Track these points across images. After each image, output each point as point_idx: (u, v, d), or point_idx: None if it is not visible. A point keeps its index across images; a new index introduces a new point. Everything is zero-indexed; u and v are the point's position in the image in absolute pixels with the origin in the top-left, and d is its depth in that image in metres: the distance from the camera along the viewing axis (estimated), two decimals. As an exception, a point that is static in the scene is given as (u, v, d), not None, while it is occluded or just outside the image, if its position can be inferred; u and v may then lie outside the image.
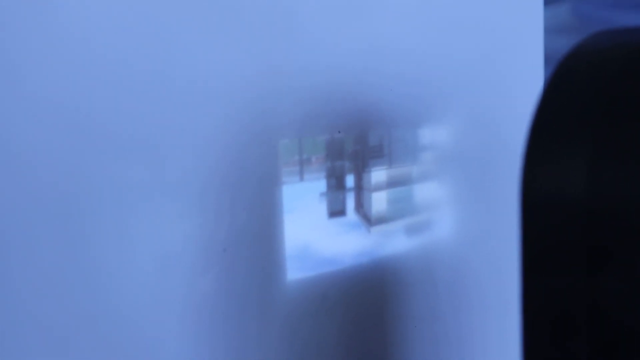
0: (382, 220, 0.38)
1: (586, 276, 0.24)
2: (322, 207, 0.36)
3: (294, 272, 0.35)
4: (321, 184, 0.36)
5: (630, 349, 0.23)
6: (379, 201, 0.38)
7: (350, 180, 0.37)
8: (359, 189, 0.37)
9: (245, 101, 0.33)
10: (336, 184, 0.36)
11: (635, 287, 0.23)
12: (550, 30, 0.84)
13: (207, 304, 0.33)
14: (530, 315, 0.26)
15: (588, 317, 0.24)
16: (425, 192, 0.40)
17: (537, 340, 0.26)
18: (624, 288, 0.23)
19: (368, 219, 0.38)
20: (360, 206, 0.37)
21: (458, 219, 0.42)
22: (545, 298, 0.25)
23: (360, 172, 0.37)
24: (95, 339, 0.30)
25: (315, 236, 0.36)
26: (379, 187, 0.38)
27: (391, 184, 0.38)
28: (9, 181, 0.28)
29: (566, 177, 0.25)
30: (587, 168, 0.24)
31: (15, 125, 0.28)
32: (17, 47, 0.28)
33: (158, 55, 0.31)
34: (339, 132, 0.36)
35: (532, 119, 0.26)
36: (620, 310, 0.23)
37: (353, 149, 0.37)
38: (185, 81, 0.32)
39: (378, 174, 0.38)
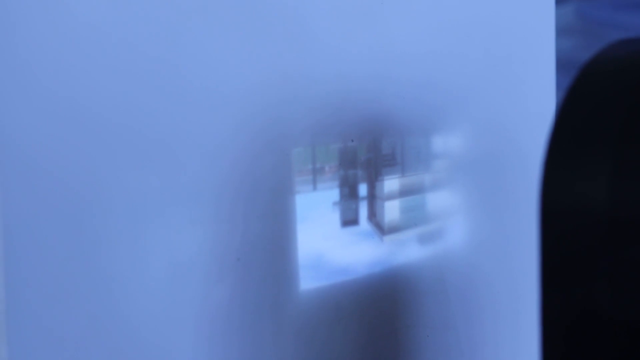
0: (395, 229, 0.38)
1: (607, 285, 0.24)
2: (335, 217, 0.36)
3: (307, 282, 0.35)
4: (334, 193, 0.36)
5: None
6: (391, 210, 0.38)
7: (363, 189, 0.37)
8: (372, 197, 0.37)
9: (258, 109, 0.33)
10: (349, 193, 0.36)
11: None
12: (558, 33, 0.84)
13: (221, 313, 0.33)
14: (549, 325, 0.26)
15: (609, 327, 0.24)
16: (438, 200, 0.40)
17: (557, 350, 0.25)
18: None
19: (381, 228, 0.37)
20: (373, 215, 0.37)
21: (470, 227, 0.41)
22: (566, 307, 0.25)
23: (373, 180, 0.37)
24: (108, 348, 0.30)
25: (329, 245, 0.36)
26: (391, 196, 0.38)
27: (404, 192, 0.38)
28: (22, 188, 0.28)
29: (587, 186, 0.25)
30: (608, 177, 0.24)
31: (29, 133, 0.28)
32: (33, 51, 0.28)
33: (172, 64, 0.31)
34: (352, 140, 0.36)
35: (553, 127, 0.26)
36: (639, 315, 0.23)
37: (366, 157, 0.37)
38: (198, 90, 0.32)
39: (391, 183, 0.38)
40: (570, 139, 0.25)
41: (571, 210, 0.25)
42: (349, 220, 0.36)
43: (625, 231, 0.23)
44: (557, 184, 0.25)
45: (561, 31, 0.84)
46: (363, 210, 0.37)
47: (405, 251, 0.39)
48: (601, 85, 0.26)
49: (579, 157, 0.25)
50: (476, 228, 0.42)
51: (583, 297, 0.24)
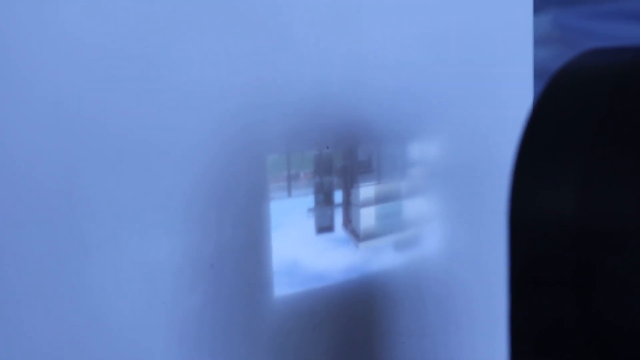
0: (370, 235, 0.38)
1: (574, 295, 0.24)
2: (310, 223, 0.36)
3: (282, 288, 0.35)
4: (309, 200, 0.36)
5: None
6: (367, 217, 0.38)
7: (338, 196, 0.37)
8: (347, 204, 0.37)
9: (233, 115, 0.33)
10: (324, 200, 0.36)
11: (624, 305, 0.23)
12: (536, 42, 0.84)
13: (195, 319, 0.33)
14: (517, 331, 0.26)
15: (575, 332, 0.24)
16: (414, 207, 0.40)
17: (524, 356, 0.25)
18: (612, 306, 0.23)
19: (356, 235, 0.37)
20: (348, 222, 0.37)
21: (446, 234, 0.41)
22: (533, 313, 0.25)
23: (348, 187, 0.37)
24: (82, 354, 0.30)
25: (303, 252, 0.36)
26: (367, 203, 0.38)
27: (379, 199, 0.38)
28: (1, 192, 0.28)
29: (556, 195, 0.25)
30: (577, 186, 0.24)
31: (8, 137, 0.28)
32: (17, 54, 0.28)
33: (145, 69, 0.31)
34: (328, 147, 0.36)
35: (522, 136, 0.26)
36: (607, 324, 0.23)
37: (341, 164, 0.37)
38: (171, 94, 0.31)
39: (366, 190, 0.38)
40: (539, 147, 0.26)
41: (539, 219, 0.25)
42: (324, 227, 0.36)
43: (592, 240, 0.23)
44: (526, 193, 0.25)
45: (538, 40, 0.85)
46: (338, 217, 0.37)
47: (381, 258, 0.39)
48: (572, 94, 0.26)
49: (547, 165, 0.25)
50: (452, 235, 0.42)
51: (551, 306, 0.25)
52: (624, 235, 0.23)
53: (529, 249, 0.25)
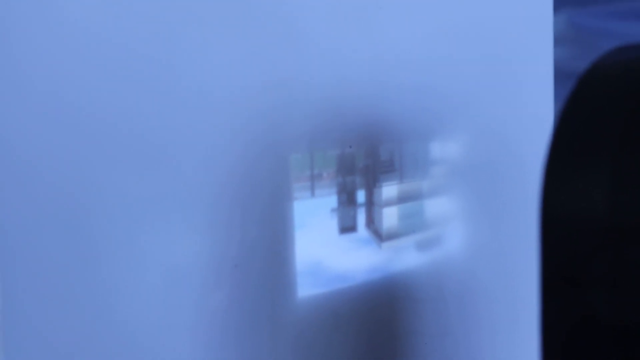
0: (393, 235, 0.38)
1: (607, 294, 0.24)
2: (333, 223, 0.36)
3: (305, 289, 0.35)
4: (332, 200, 0.36)
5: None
6: (389, 217, 0.38)
7: (361, 196, 0.37)
8: (370, 204, 0.37)
9: (256, 115, 0.33)
10: (347, 200, 0.36)
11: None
12: (556, 41, 0.84)
13: (218, 320, 0.32)
14: (549, 331, 0.26)
15: (608, 332, 0.24)
16: (436, 206, 0.40)
17: (556, 356, 0.25)
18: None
19: (379, 235, 0.37)
20: (371, 222, 0.37)
21: (468, 234, 0.41)
22: (566, 312, 0.25)
23: (371, 187, 0.37)
24: (104, 354, 0.30)
25: (327, 252, 0.35)
26: (389, 203, 0.38)
27: (402, 199, 0.38)
28: (18, 192, 0.28)
29: (587, 192, 0.25)
30: (608, 184, 0.24)
31: (26, 137, 0.28)
32: (30, 54, 0.28)
33: (169, 69, 0.31)
34: (350, 146, 0.36)
35: (553, 134, 0.26)
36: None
37: (364, 163, 0.37)
38: (196, 94, 0.31)
39: (389, 189, 0.38)
40: (570, 146, 0.25)
41: (571, 217, 0.25)
42: (347, 227, 0.36)
43: (624, 237, 0.23)
44: (557, 191, 0.25)
45: (554, 40, 0.85)
46: (361, 217, 0.37)
47: (403, 258, 0.38)
48: (600, 93, 0.26)
49: (578, 164, 0.25)
50: (474, 235, 0.42)
51: (582, 303, 0.24)
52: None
53: (561, 248, 0.25)
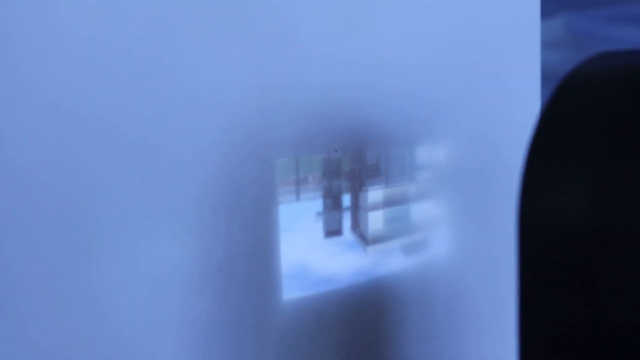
0: (378, 239, 0.38)
1: (585, 298, 0.24)
2: (319, 227, 0.36)
3: (291, 292, 0.35)
4: (317, 204, 0.36)
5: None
6: (375, 220, 0.38)
7: (346, 200, 0.37)
8: (356, 208, 0.37)
9: (242, 119, 0.33)
10: (333, 204, 0.36)
11: (635, 309, 0.23)
12: (544, 45, 0.84)
13: (203, 324, 0.33)
14: (528, 335, 0.26)
15: (587, 334, 0.24)
16: (422, 211, 0.40)
17: (535, 358, 0.25)
18: (624, 310, 0.23)
19: (364, 239, 0.38)
20: (356, 225, 0.37)
21: (455, 238, 0.41)
22: (544, 320, 0.25)
23: (357, 191, 0.37)
24: (90, 355, 0.30)
25: (312, 256, 0.36)
26: (375, 207, 0.38)
27: (388, 203, 0.38)
28: (7, 193, 0.28)
29: (566, 197, 0.25)
30: (587, 188, 0.24)
31: (15, 138, 0.28)
32: (20, 54, 0.28)
33: (155, 71, 0.31)
34: (336, 151, 0.36)
35: (532, 139, 0.26)
36: (620, 332, 0.23)
37: (350, 168, 0.37)
38: (182, 98, 0.32)
39: (375, 193, 0.38)
40: (550, 149, 0.26)
41: (550, 221, 0.25)
42: (333, 231, 0.36)
43: (603, 243, 0.23)
44: (536, 195, 0.25)
45: (551, 44, 0.85)
46: (347, 221, 0.37)
47: (389, 261, 0.39)
48: (582, 97, 0.26)
49: (557, 168, 0.25)
50: (460, 239, 0.42)
51: (562, 309, 0.25)
52: (634, 237, 0.23)
53: (539, 251, 0.25)
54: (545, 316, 0.25)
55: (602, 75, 0.26)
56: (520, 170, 0.40)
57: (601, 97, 0.25)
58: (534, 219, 0.25)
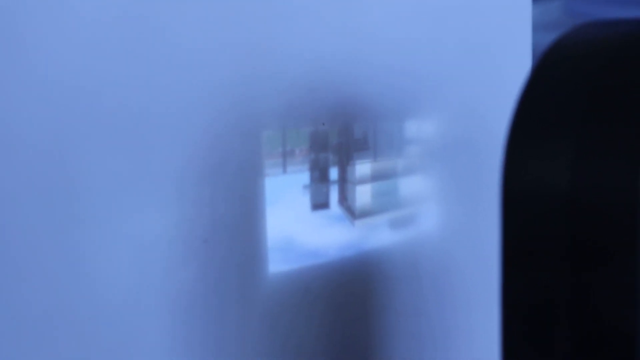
0: (366, 213, 0.38)
1: (568, 269, 0.24)
2: (306, 200, 0.36)
3: (276, 265, 0.35)
4: (304, 177, 0.36)
5: (610, 343, 0.23)
6: (363, 194, 0.38)
7: (334, 173, 0.37)
8: (343, 181, 0.37)
9: (228, 91, 0.33)
10: (320, 177, 0.36)
11: (617, 280, 0.23)
12: (542, 27, 0.84)
13: (187, 296, 0.33)
14: (510, 309, 0.26)
15: (569, 311, 0.24)
16: (411, 185, 0.40)
17: (517, 334, 0.25)
18: (606, 281, 0.23)
19: (352, 212, 0.37)
20: (344, 199, 0.37)
21: (443, 212, 0.41)
22: (526, 291, 0.25)
23: (344, 164, 0.37)
24: (72, 329, 0.30)
25: (299, 229, 0.36)
26: (363, 180, 0.38)
27: (376, 177, 0.38)
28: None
29: (549, 170, 0.25)
30: (570, 161, 0.24)
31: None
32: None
33: (135, 41, 0.31)
34: (323, 124, 0.36)
35: (514, 112, 0.26)
36: (601, 303, 0.23)
37: (337, 141, 0.37)
38: (165, 70, 0.31)
39: (362, 167, 0.38)
40: (532, 122, 0.25)
41: (532, 193, 0.25)
42: (320, 204, 0.36)
43: (586, 215, 0.23)
44: (519, 167, 0.25)
45: (548, 26, 0.85)
46: (334, 194, 0.37)
47: (377, 236, 0.39)
48: (564, 68, 0.26)
49: (540, 140, 0.25)
50: (449, 214, 0.42)
51: (544, 280, 0.25)
52: (617, 209, 0.23)
53: (522, 223, 0.25)
54: (528, 287, 0.25)
55: (584, 46, 0.26)
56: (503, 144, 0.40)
57: (584, 68, 0.25)
58: (516, 191, 0.25)
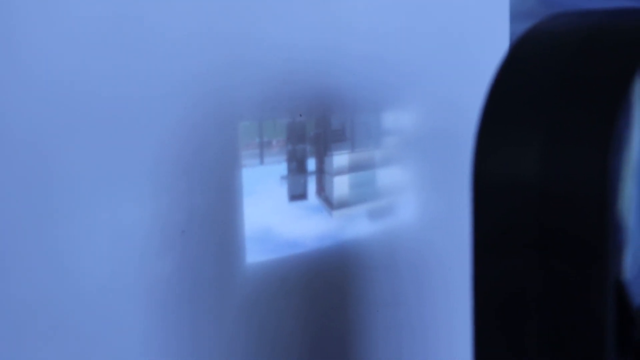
0: (343, 204, 0.38)
1: (538, 259, 0.24)
2: (283, 191, 0.36)
3: (254, 255, 0.35)
4: (282, 168, 0.36)
5: (580, 331, 0.23)
6: (340, 185, 0.38)
7: (311, 164, 0.37)
8: (321, 172, 0.37)
9: (204, 81, 0.33)
10: (297, 168, 0.36)
11: (587, 269, 0.23)
12: (518, 17, 0.84)
13: (165, 286, 0.33)
14: (481, 298, 0.26)
15: (539, 300, 0.24)
16: (388, 176, 0.40)
17: (488, 323, 0.26)
18: (575, 270, 0.23)
19: (329, 203, 0.38)
20: (321, 190, 0.37)
21: (421, 203, 0.42)
22: (497, 280, 0.25)
23: (321, 155, 0.37)
24: (49, 320, 0.30)
25: (276, 220, 0.36)
26: (340, 171, 0.38)
27: (353, 168, 0.38)
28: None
29: (519, 159, 0.25)
30: (540, 151, 0.24)
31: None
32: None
33: (112, 30, 0.31)
34: (300, 115, 0.36)
35: (485, 101, 0.26)
36: (571, 292, 0.23)
37: (315, 132, 0.37)
38: (141, 60, 0.31)
39: (340, 158, 0.38)
40: (502, 112, 0.26)
41: (503, 183, 0.25)
42: (297, 195, 0.36)
43: (554, 203, 0.24)
44: (489, 157, 0.25)
45: (523, 16, 0.85)
46: (311, 185, 0.37)
47: (355, 226, 0.39)
48: (535, 58, 0.26)
49: (510, 130, 0.25)
50: (426, 204, 0.42)
51: (515, 271, 0.25)
52: (586, 198, 0.23)
53: (492, 213, 0.25)
54: (499, 276, 0.25)
55: (554, 36, 0.26)
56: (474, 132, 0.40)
57: (553, 58, 0.25)
58: (487, 181, 0.25)
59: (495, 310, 0.25)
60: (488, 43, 0.44)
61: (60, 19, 0.29)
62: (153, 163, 0.32)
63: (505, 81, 0.26)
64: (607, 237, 0.23)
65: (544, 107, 0.25)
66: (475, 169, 0.26)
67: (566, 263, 0.23)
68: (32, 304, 0.29)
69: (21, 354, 0.29)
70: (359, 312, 0.39)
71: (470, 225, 0.26)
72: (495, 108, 0.26)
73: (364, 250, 0.39)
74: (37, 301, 0.29)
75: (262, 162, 0.35)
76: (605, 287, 0.23)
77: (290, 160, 0.36)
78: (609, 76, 0.24)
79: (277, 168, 0.35)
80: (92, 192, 0.30)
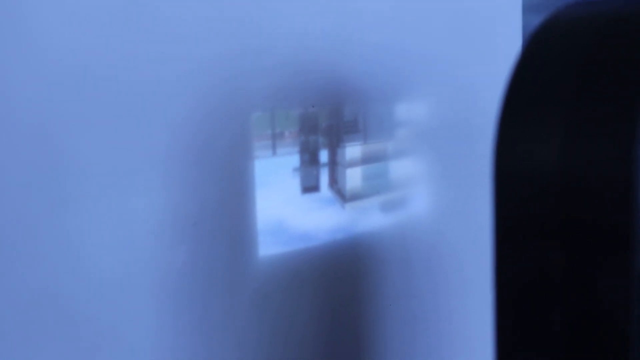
0: (356, 196, 0.38)
1: (560, 248, 0.24)
2: (296, 183, 0.36)
3: (267, 248, 0.35)
4: (294, 159, 0.35)
5: (603, 321, 0.23)
6: (353, 177, 0.38)
7: (324, 156, 0.36)
8: (333, 164, 0.37)
9: (218, 73, 0.33)
10: (310, 159, 0.36)
11: (610, 258, 0.23)
12: (528, 9, 0.84)
13: (177, 278, 0.32)
14: (503, 288, 0.26)
15: (562, 290, 0.24)
16: (401, 167, 0.40)
17: (510, 313, 0.25)
18: (598, 259, 0.23)
19: (342, 195, 0.37)
20: (334, 182, 0.37)
21: (434, 195, 0.41)
22: (519, 270, 0.25)
23: (334, 147, 0.37)
24: (61, 310, 0.30)
25: (289, 212, 0.35)
26: (353, 163, 0.38)
27: (366, 159, 0.38)
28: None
29: (540, 149, 0.24)
30: (561, 140, 0.24)
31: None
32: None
33: (125, 21, 0.30)
34: (313, 106, 0.36)
35: (506, 90, 0.26)
36: (594, 281, 0.23)
37: (327, 123, 0.36)
38: (153, 50, 0.31)
39: (353, 150, 0.37)
40: (523, 101, 0.25)
41: (524, 172, 0.25)
42: (310, 187, 0.36)
43: (576, 193, 0.23)
44: (510, 146, 0.25)
45: (532, 8, 0.85)
46: (324, 177, 0.37)
47: (368, 219, 0.38)
48: (554, 47, 0.26)
49: (531, 119, 0.25)
50: (440, 195, 0.41)
51: (536, 259, 0.24)
52: (608, 187, 0.23)
53: (514, 202, 0.25)
54: (520, 266, 0.25)
55: (573, 25, 0.26)
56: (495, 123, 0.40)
57: (573, 47, 0.25)
58: (508, 169, 0.25)
59: (517, 301, 0.25)
60: (501, 33, 0.44)
61: (72, 7, 0.29)
62: (165, 154, 0.32)
63: (525, 71, 0.26)
64: (631, 226, 0.22)
65: (565, 96, 0.24)
66: (496, 159, 0.25)
67: (589, 252, 0.23)
68: (44, 296, 0.29)
69: (33, 344, 0.29)
70: (372, 305, 0.39)
71: (492, 216, 0.26)
72: (517, 98, 0.25)
73: (377, 242, 0.39)
74: (50, 292, 0.29)
75: (274, 154, 0.35)
76: (629, 275, 0.22)
77: (302, 151, 0.36)
78: (630, 63, 0.24)
79: (289, 160, 0.35)
80: (103, 183, 0.30)
